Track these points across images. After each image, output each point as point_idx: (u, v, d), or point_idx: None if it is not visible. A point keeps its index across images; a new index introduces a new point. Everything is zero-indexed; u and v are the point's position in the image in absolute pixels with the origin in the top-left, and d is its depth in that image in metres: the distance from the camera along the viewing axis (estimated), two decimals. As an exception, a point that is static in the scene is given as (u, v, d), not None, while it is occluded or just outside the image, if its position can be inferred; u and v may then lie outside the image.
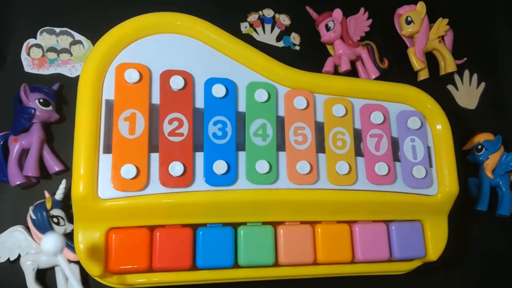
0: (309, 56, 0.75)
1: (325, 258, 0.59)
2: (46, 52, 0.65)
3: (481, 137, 0.76)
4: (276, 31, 0.75)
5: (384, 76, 0.74)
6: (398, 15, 0.79)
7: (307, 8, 0.75)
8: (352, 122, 0.62)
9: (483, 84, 0.83)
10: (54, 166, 0.60)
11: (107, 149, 0.53)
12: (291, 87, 0.60)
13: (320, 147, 0.61)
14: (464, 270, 0.75)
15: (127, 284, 0.55)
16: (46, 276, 0.59)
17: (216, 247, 0.55)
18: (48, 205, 0.57)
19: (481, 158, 0.75)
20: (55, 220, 0.57)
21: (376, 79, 0.73)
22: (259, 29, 0.74)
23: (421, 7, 0.76)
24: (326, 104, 0.61)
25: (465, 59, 0.80)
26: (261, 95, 0.58)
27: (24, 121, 0.59)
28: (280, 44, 0.74)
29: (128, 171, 0.51)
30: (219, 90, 0.56)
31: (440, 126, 0.65)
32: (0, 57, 0.64)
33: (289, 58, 0.67)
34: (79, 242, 0.52)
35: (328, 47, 0.75)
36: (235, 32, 0.71)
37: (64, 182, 0.59)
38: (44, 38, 0.66)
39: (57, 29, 0.67)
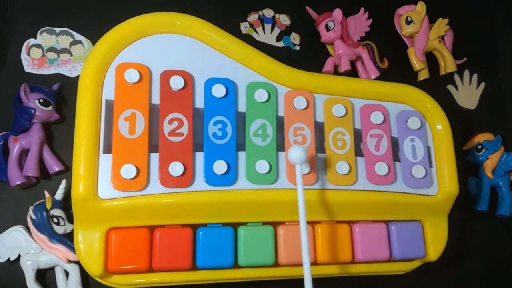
0: (309, 56, 0.75)
1: (325, 258, 0.59)
2: (46, 52, 0.65)
3: (481, 137, 0.76)
4: (276, 31, 0.75)
5: (384, 76, 0.74)
6: (398, 15, 0.79)
7: (307, 8, 0.75)
8: (352, 122, 0.62)
9: (483, 84, 0.83)
10: (54, 166, 0.60)
11: (107, 149, 0.53)
12: (291, 87, 0.60)
13: (320, 147, 0.61)
14: (464, 270, 0.75)
15: (127, 284, 0.55)
16: (46, 276, 0.59)
17: (216, 247, 0.55)
18: (48, 205, 0.57)
19: (481, 158, 0.75)
20: (55, 220, 0.57)
21: (376, 79, 0.73)
22: (259, 29, 0.74)
23: (421, 7, 0.76)
24: (326, 104, 0.61)
25: (465, 59, 0.80)
26: (261, 95, 0.58)
27: (24, 121, 0.59)
28: (280, 44, 0.74)
29: (128, 171, 0.51)
30: (219, 90, 0.56)
31: (440, 126, 0.65)
32: (0, 57, 0.64)
33: (289, 58, 0.67)
34: (79, 242, 0.52)
35: (328, 47, 0.75)
36: (235, 32, 0.71)
37: (64, 182, 0.59)
38: (44, 38, 0.66)
39: (57, 29, 0.67)
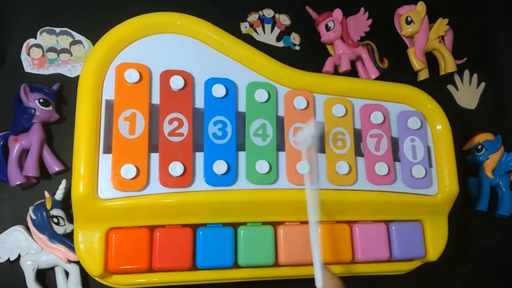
0: (309, 56, 0.75)
1: (325, 258, 0.58)
2: (46, 52, 0.65)
3: (481, 137, 0.76)
4: (276, 31, 0.75)
5: (384, 76, 0.74)
6: (398, 15, 0.79)
7: (307, 8, 0.75)
8: (352, 122, 0.62)
9: (483, 84, 0.83)
10: (54, 166, 0.60)
11: (107, 149, 0.53)
12: (291, 87, 0.60)
13: (320, 147, 0.61)
14: (464, 270, 0.75)
15: (127, 284, 0.55)
16: (46, 276, 0.59)
17: (216, 247, 0.55)
18: (48, 205, 0.57)
19: (481, 158, 0.75)
20: (55, 220, 0.57)
21: (376, 79, 0.73)
22: (259, 29, 0.74)
23: (421, 7, 0.76)
24: (326, 104, 0.61)
25: (465, 59, 0.80)
26: (261, 95, 0.58)
27: (24, 121, 0.59)
28: (280, 44, 0.74)
29: (128, 171, 0.51)
30: (219, 90, 0.56)
31: (440, 126, 0.65)
32: (0, 57, 0.64)
33: (289, 58, 0.67)
34: (79, 242, 0.52)
35: (328, 47, 0.75)
36: (235, 32, 0.71)
37: (64, 182, 0.59)
38: (44, 38, 0.66)
39: (57, 29, 0.67)
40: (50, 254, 0.57)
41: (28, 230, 0.58)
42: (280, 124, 0.59)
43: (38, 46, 0.65)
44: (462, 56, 0.80)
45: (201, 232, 0.55)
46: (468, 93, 0.82)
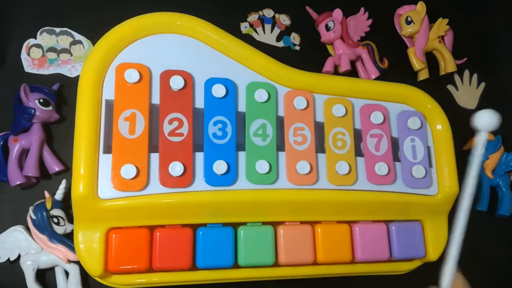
0: (309, 56, 0.75)
1: (325, 258, 0.59)
2: (46, 52, 0.65)
3: (481, 137, 0.76)
4: (276, 31, 0.75)
5: (384, 76, 0.74)
6: (398, 15, 0.79)
7: (307, 8, 0.75)
8: (352, 122, 0.62)
9: (483, 84, 0.83)
10: (54, 166, 0.60)
11: (107, 149, 0.53)
12: (291, 87, 0.60)
13: (320, 147, 0.61)
14: (464, 270, 0.75)
15: (127, 284, 0.55)
16: (46, 276, 0.59)
17: (216, 247, 0.55)
18: (48, 205, 0.57)
19: (481, 158, 0.75)
20: (55, 220, 0.57)
21: (376, 79, 0.73)
22: (259, 29, 0.74)
23: (421, 7, 0.76)
24: (326, 104, 0.61)
25: (465, 59, 0.80)
26: (261, 95, 0.58)
27: (24, 121, 0.59)
28: (280, 44, 0.74)
29: (128, 171, 0.51)
30: (219, 90, 0.56)
31: (440, 126, 0.65)
32: (0, 57, 0.64)
33: (289, 58, 0.67)
34: (79, 242, 0.52)
35: (328, 47, 0.75)
36: (235, 32, 0.71)
37: (64, 182, 0.59)
38: (44, 38, 0.66)
39: (57, 29, 0.67)
40: (50, 254, 0.57)
41: (28, 230, 0.58)
42: (280, 124, 0.59)
43: (38, 46, 0.65)
44: (462, 56, 0.80)
45: (201, 232, 0.55)
46: (468, 93, 0.82)
